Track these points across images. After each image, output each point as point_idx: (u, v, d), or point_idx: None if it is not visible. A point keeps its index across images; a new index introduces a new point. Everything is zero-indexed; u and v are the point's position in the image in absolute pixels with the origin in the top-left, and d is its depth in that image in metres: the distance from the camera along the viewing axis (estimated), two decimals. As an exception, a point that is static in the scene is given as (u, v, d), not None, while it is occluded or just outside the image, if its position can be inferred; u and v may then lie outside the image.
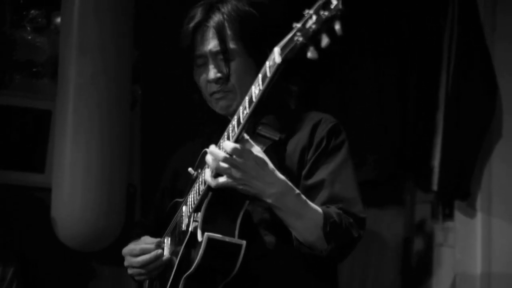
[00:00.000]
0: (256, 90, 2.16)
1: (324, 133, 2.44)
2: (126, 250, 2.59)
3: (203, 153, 2.46)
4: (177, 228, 2.53)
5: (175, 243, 2.52)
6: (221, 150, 2.24)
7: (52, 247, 3.97)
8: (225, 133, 2.29)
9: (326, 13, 1.95)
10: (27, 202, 4.28)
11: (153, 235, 2.64)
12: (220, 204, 2.35)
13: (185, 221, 2.46)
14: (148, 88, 4.35)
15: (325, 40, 1.97)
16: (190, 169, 2.50)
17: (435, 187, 4.28)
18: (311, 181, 2.39)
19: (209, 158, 2.26)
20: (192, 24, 2.46)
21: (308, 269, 2.42)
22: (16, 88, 4.34)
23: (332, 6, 1.95)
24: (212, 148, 2.27)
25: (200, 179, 2.40)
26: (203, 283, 2.34)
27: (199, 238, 2.31)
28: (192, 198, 2.44)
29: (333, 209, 2.33)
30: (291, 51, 2.04)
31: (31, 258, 4.17)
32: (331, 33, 1.96)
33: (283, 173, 2.30)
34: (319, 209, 2.31)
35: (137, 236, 2.72)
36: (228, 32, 2.44)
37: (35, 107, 4.34)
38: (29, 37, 4.34)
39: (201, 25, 2.45)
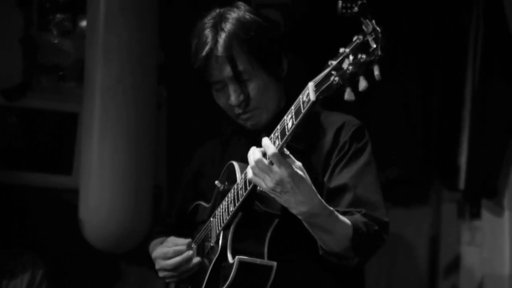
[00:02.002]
0: (289, 122, 2.13)
1: (347, 137, 2.45)
2: (157, 253, 2.61)
3: (228, 165, 2.48)
4: (205, 241, 2.56)
5: (203, 254, 2.55)
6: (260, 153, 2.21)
7: (80, 248, 3.99)
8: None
9: (364, 56, 1.92)
10: (55, 204, 4.32)
11: (175, 233, 2.66)
12: (249, 223, 2.38)
13: (214, 236, 2.49)
14: (174, 89, 4.37)
15: (363, 84, 1.94)
16: (216, 182, 2.52)
17: (462, 185, 4.25)
18: (334, 185, 2.39)
19: (250, 155, 2.22)
20: (203, 54, 2.41)
21: (336, 277, 2.44)
22: (43, 91, 4.39)
23: (371, 50, 1.92)
24: (254, 149, 2.23)
25: (230, 196, 2.40)
26: None
27: (230, 259, 2.35)
28: (221, 215, 2.45)
29: (359, 218, 2.34)
30: (327, 90, 2.00)
31: (60, 260, 4.21)
32: (369, 76, 1.93)
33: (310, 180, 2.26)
34: (348, 222, 2.30)
35: (158, 234, 2.77)
36: (239, 54, 2.42)
37: (62, 110, 4.38)
38: (55, 41, 4.38)
39: (212, 53, 2.42)
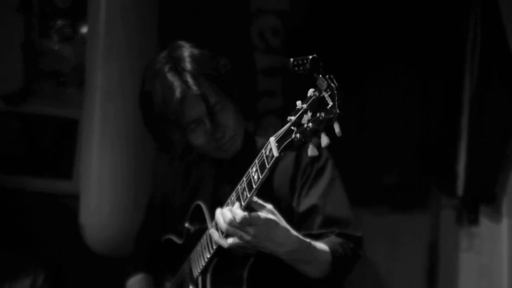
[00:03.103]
0: (255, 175, 2.17)
1: (308, 159, 2.48)
2: None
3: (195, 206, 2.53)
4: (184, 284, 2.60)
5: None
6: (230, 213, 2.23)
7: (81, 253, 3.99)
8: (231, 197, 2.29)
9: (323, 114, 1.91)
10: (55, 209, 4.32)
11: (146, 268, 2.78)
12: (225, 265, 2.42)
13: (193, 281, 2.53)
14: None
15: (325, 141, 1.94)
16: (187, 224, 2.57)
17: (460, 192, 4.26)
18: (303, 208, 2.45)
19: (219, 220, 2.26)
20: (178, 96, 2.41)
21: None
22: (44, 96, 4.41)
23: (328, 107, 1.90)
24: (222, 211, 2.26)
25: (203, 243, 2.44)
26: None
27: None
28: (196, 260, 2.49)
29: (334, 240, 2.40)
30: (289, 147, 2.02)
31: (61, 265, 4.21)
32: (330, 132, 1.93)
33: (275, 205, 2.29)
34: (326, 248, 2.37)
35: (130, 271, 2.88)
36: (208, 88, 2.44)
37: (62, 115, 4.40)
38: (56, 47, 4.41)
39: (186, 94, 2.42)
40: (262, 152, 2.12)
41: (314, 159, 2.47)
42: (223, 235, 2.29)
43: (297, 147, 2.00)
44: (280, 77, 4.46)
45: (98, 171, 3.82)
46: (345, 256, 2.38)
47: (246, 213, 2.18)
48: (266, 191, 2.30)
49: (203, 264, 2.43)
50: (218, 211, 2.27)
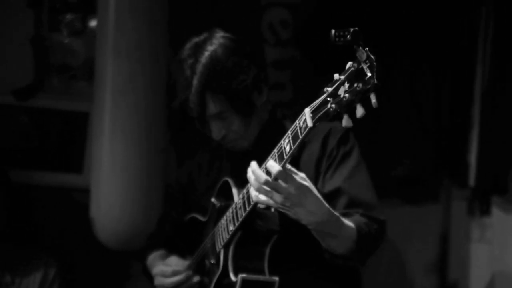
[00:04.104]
0: (286, 146, 2.16)
1: (334, 143, 2.50)
2: (157, 270, 2.70)
3: (223, 182, 2.55)
4: (205, 259, 2.62)
5: (203, 273, 2.62)
6: (264, 170, 2.23)
7: (92, 247, 4.01)
8: (262, 169, 2.26)
9: (360, 85, 1.93)
10: (66, 203, 4.34)
11: (170, 246, 2.77)
12: (248, 241, 2.43)
13: (214, 255, 2.55)
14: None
15: (360, 111, 1.96)
16: (213, 199, 2.58)
17: (472, 183, 4.26)
18: (327, 190, 2.44)
19: (251, 177, 2.24)
20: (188, 92, 2.46)
21: (334, 279, 2.51)
22: (54, 91, 4.42)
23: (366, 78, 1.93)
24: (255, 167, 2.23)
25: (228, 216, 2.45)
26: None
27: (233, 278, 2.41)
28: (220, 233, 2.50)
29: (360, 219, 2.39)
30: (323, 117, 2.03)
31: (72, 259, 4.23)
32: (366, 103, 1.95)
33: None
34: (352, 224, 2.35)
35: (151, 248, 2.85)
36: (210, 100, 2.47)
37: (72, 109, 4.41)
38: (66, 41, 4.42)
39: (187, 97, 2.47)
40: (296, 123, 2.12)
41: (341, 143, 2.50)
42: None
43: (332, 118, 2.01)
44: (290, 69, 4.46)
45: (108, 164, 3.83)
46: (369, 235, 2.37)
47: (281, 168, 2.16)
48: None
49: (227, 237, 2.44)
50: (251, 169, 2.24)
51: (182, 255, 2.75)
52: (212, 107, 2.46)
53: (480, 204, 4.38)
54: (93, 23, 4.32)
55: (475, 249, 4.40)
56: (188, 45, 2.53)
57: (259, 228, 2.40)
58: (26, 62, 4.40)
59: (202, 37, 2.55)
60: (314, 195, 2.24)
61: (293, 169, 2.22)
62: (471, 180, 4.27)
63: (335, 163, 2.49)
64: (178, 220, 2.84)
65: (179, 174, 2.94)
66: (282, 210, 2.25)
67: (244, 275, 2.37)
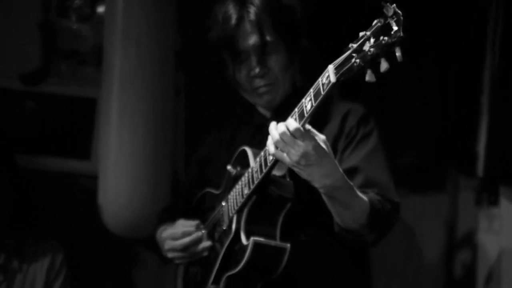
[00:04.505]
0: (307, 104, 2.16)
1: (354, 122, 2.50)
2: (166, 234, 2.66)
3: (240, 151, 2.53)
4: (217, 226, 2.60)
5: (214, 239, 2.60)
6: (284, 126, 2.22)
7: (99, 234, 4.01)
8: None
9: (386, 38, 1.95)
10: (74, 189, 4.34)
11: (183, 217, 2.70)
12: (263, 206, 2.42)
13: (227, 220, 2.53)
14: (191, 75, 4.37)
15: (384, 65, 1.97)
16: (229, 167, 2.56)
17: (480, 173, 4.24)
18: (344, 167, 2.41)
19: (272, 131, 2.23)
20: (233, 22, 2.47)
21: (343, 257, 2.52)
22: (62, 76, 4.41)
23: (392, 32, 1.95)
24: (276, 123, 2.24)
25: (244, 180, 2.44)
26: (245, 282, 2.42)
27: (244, 241, 2.40)
28: (234, 199, 2.48)
29: (374, 196, 2.38)
30: (347, 73, 2.03)
31: (79, 246, 4.23)
32: (390, 58, 1.95)
33: None
34: (365, 198, 2.34)
35: (163, 222, 2.81)
36: (267, 25, 2.47)
37: (80, 95, 4.40)
38: (74, 27, 4.41)
39: (242, 21, 2.47)
40: (318, 81, 2.12)
41: (361, 123, 2.50)
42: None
43: (356, 73, 2.01)
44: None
45: (116, 151, 3.82)
46: (382, 212, 2.37)
47: (300, 126, 2.17)
48: None
49: (241, 201, 2.43)
50: (273, 123, 2.25)
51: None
52: (267, 34, 2.45)
53: (488, 195, 4.37)
54: (101, 8, 4.30)
55: (482, 239, 4.39)
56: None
57: (274, 195, 2.39)
58: (34, 47, 4.38)
59: None
60: (331, 158, 2.24)
61: (314, 130, 2.22)
62: (479, 170, 4.26)
63: (354, 142, 2.49)
64: (193, 195, 2.81)
65: (199, 151, 2.90)
66: (296, 170, 2.24)
67: (256, 238, 2.35)
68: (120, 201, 3.81)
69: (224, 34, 2.49)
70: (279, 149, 2.21)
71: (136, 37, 3.80)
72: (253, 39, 2.47)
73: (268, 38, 2.46)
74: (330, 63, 2.10)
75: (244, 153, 2.50)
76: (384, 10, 1.97)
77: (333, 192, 2.29)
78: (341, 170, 2.27)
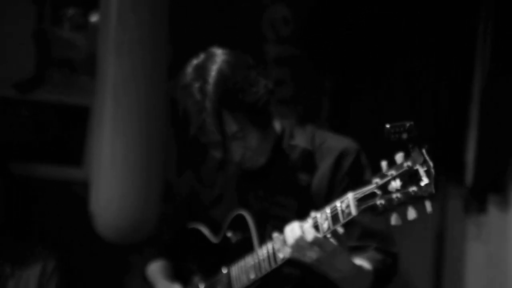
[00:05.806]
0: (325, 225, 2.14)
1: (346, 168, 2.45)
2: None
3: (237, 216, 2.50)
4: None
5: None
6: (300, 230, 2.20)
7: (91, 240, 4.02)
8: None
9: (415, 189, 1.87)
10: (66, 196, 4.35)
11: (168, 255, 2.74)
12: (268, 283, 2.40)
13: None
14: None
15: (412, 214, 1.90)
16: (229, 234, 2.53)
17: (469, 181, 4.27)
18: None
19: (288, 234, 2.20)
20: (201, 116, 2.36)
21: None
22: (56, 85, 4.43)
23: (423, 185, 1.86)
24: (293, 226, 2.20)
25: (250, 262, 2.41)
26: None
27: None
28: (239, 277, 2.46)
29: (376, 257, 2.38)
30: (370, 210, 1.98)
31: (71, 252, 4.24)
32: (418, 206, 1.88)
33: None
34: (369, 268, 2.34)
35: (150, 256, 2.79)
36: (228, 119, 2.38)
37: (74, 103, 4.42)
38: (68, 36, 4.43)
39: (206, 116, 2.37)
40: (337, 205, 2.09)
41: (352, 170, 2.44)
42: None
43: (380, 213, 1.96)
44: (289, 66, 4.47)
45: (109, 158, 3.83)
46: (386, 276, 2.38)
47: (319, 235, 2.14)
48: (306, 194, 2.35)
49: (246, 283, 2.41)
50: (289, 227, 2.21)
51: (182, 265, 2.72)
52: (232, 126, 2.36)
53: (476, 203, 4.39)
54: (95, 18, 4.33)
55: (471, 247, 4.41)
56: (189, 69, 2.41)
57: (280, 271, 2.36)
58: (28, 56, 4.40)
59: (201, 57, 2.43)
60: (345, 255, 2.24)
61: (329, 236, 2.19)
62: (468, 178, 4.28)
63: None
64: (181, 228, 2.76)
65: (179, 184, 2.88)
66: (310, 265, 2.24)
67: None
68: (111, 208, 3.82)
69: (200, 125, 2.38)
70: (295, 250, 2.19)
71: (129, 46, 3.82)
72: (216, 137, 2.38)
73: (231, 130, 2.37)
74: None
75: (243, 220, 2.47)
76: (412, 153, 1.88)
77: (343, 281, 2.30)
78: (351, 260, 2.27)
